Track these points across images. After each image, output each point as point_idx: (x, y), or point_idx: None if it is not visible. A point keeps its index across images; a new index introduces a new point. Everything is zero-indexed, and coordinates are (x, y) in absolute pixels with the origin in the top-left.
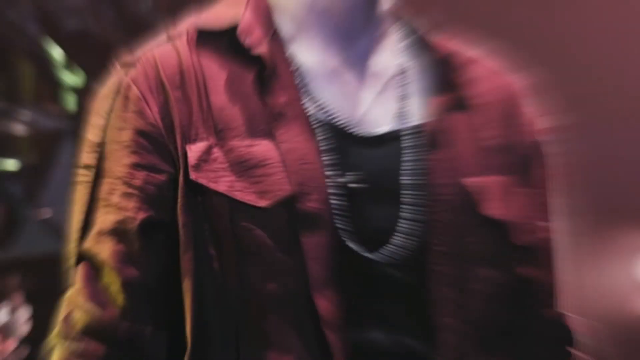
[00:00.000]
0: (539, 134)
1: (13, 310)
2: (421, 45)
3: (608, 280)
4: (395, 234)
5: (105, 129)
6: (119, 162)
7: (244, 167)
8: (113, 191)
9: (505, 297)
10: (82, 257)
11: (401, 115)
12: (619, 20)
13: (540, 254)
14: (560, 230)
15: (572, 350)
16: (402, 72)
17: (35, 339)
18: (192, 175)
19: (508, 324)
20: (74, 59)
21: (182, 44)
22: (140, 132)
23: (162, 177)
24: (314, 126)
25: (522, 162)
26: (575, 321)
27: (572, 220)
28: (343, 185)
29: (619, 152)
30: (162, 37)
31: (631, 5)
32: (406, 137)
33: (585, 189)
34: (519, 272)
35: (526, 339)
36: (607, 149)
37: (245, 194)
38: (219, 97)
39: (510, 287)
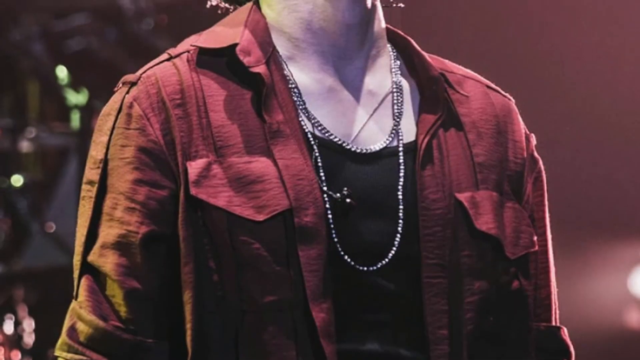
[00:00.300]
0: (531, 150)
1: (18, 322)
2: (415, 63)
3: (602, 293)
4: (391, 248)
5: (108, 146)
6: (122, 178)
7: (242, 183)
8: (116, 206)
9: (498, 310)
10: (86, 269)
11: (396, 132)
12: (596, 41)
13: (533, 267)
14: (552, 244)
15: None
16: (396, 90)
17: (40, 351)
18: (192, 191)
19: (502, 336)
20: (78, 78)
21: (182, 63)
22: (142, 149)
23: (163, 193)
24: (311, 143)
25: (514, 177)
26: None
27: (566, 234)
28: (339, 201)
29: (614, 167)
30: (163, 56)
31: (607, 28)
32: (401, 154)
33: (578, 203)
34: (512, 285)
35: (520, 351)
36: (603, 164)
37: (244, 209)
38: (219, 114)
39: (504, 299)
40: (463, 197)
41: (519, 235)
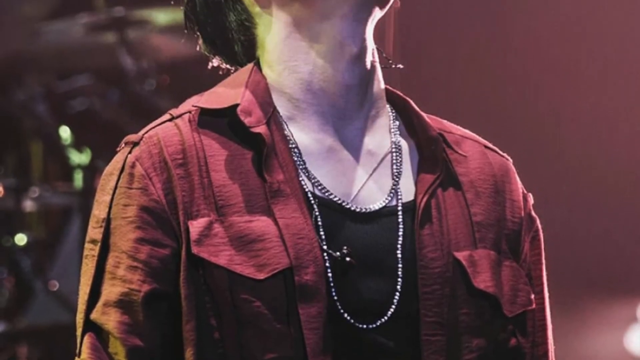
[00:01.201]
0: (528, 209)
1: None
2: (414, 123)
3: (599, 351)
4: (390, 306)
5: (111, 205)
6: (125, 237)
7: (243, 242)
8: (119, 264)
9: None
10: (89, 327)
11: (395, 191)
12: (593, 102)
13: (530, 325)
14: (550, 302)
15: None
16: (395, 150)
17: None
18: (194, 250)
19: None
20: (80, 138)
21: (184, 123)
22: (144, 208)
23: (165, 251)
24: (311, 202)
25: (511, 236)
26: None
27: (563, 292)
28: (339, 259)
29: (610, 226)
30: (165, 117)
31: (603, 89)
32: (400, 213)
33: (575, 262)
34: (510, 342)
35: None
36: (599, 223)
37: (245, 267)
38: (220, 174)
39: (502, 357)
40: (461, 255)
41: (516, 294)
